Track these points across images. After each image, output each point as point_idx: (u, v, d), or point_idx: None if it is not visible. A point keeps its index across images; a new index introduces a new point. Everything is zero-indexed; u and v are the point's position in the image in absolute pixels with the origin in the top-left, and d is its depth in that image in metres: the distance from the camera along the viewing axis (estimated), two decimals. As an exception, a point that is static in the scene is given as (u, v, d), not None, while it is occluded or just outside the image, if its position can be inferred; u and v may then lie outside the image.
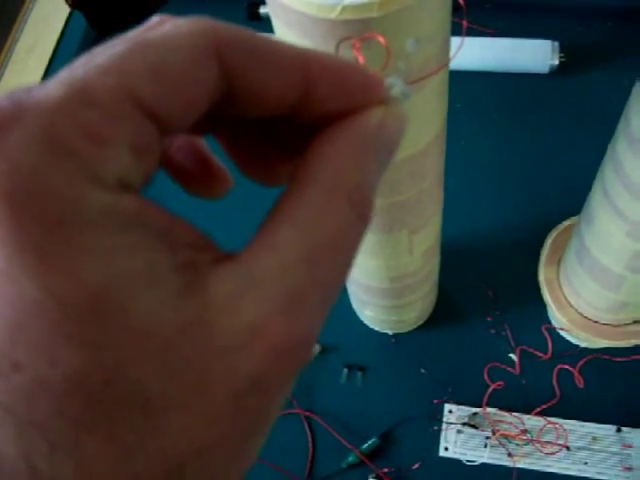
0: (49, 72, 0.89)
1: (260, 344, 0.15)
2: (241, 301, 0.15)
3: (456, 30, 0.34)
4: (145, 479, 0.13)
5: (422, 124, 0.37)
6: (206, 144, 0.21)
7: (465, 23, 0.27)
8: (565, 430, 0.60)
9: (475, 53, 0.80)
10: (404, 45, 0.24)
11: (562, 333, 0.65)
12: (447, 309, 0.68)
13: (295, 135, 0.19)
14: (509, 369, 0.64)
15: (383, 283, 0.54)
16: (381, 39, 0.25)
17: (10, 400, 0.13)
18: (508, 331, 0.65)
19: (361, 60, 0.28)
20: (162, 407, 0.13)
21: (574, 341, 0.64)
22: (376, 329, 0.67)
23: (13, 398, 0.13)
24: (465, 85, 0.77)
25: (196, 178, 0.21)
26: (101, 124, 0.14)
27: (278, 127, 0.20)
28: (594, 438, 0.60)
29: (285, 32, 0.31)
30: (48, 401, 0.13)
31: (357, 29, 0.28)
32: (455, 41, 0.35)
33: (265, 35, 0.17)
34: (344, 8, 0.27)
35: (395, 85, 0.19)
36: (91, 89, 0.14)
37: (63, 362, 0.13)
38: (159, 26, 0.16)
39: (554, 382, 0.63)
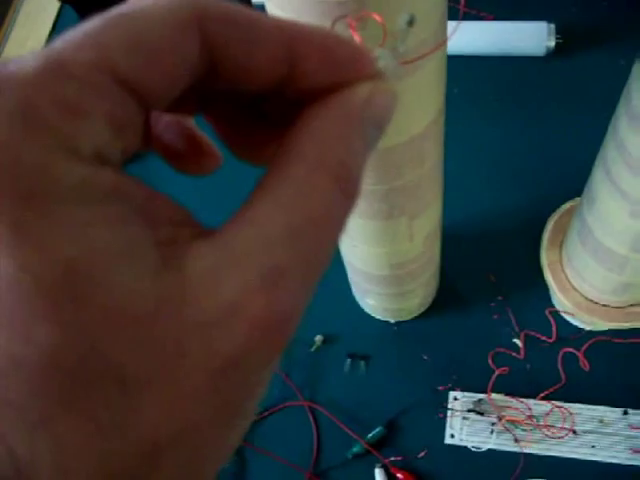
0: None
1: (240, 321, 0.14)
2: (220, 277, 0.14)
3: (452, 15, 0.34)
4: (121, 458, 0.13)
5: (421, 106, 0.36)
6: (194, 122, 0.20)
7: (462, 6, 0.27)
8: (572, 414, 0.60)
9: (471, 37, 0.79)
10: (399, 23, 0.23)
11: (566, 316, 0.64)
12: (449, 295, 0.67)
13: (284, 113, 0.19)
14: (514, 354, 0.63)
15: (384, 270, 0.53)
16: (377, 17, 0.24)
17: None
18: (512, 316, 0.65)
19: (358, 39, 0.28)
20: (138, 385, 0.13)
21: (578, 324, 0.64)
22: (378, 317, 0.67)
23: None
24: (462, 70, 0.77)
25: (184, 155, 0.20)
26: (77, 97, 0.14)
27: (266, 105, 0.20)
28: (601, 421, 0.60)
29: (278, 15, 0.31)
30: (23, 379, 0.12)
31: (352, 10, 0.27)
32: (452, 25, 0.34)
33: (249, 8, 0.17)
34: (338, -13, 0.26)
35: (382, 57, 0.18)
36: (67, 62, 0.14)
37: (37, 339, 0.12)
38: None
39: (559, 366, 0.62)
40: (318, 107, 0.17)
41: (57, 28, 0.92)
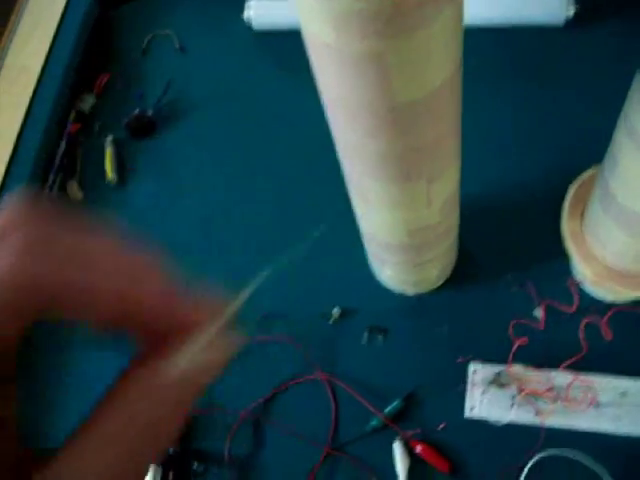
0: (52, 50, 0.87)
1: None
2: None
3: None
4: None
5: (439, 59, 0.35)
6: None
7: None
8: (594, 385, 0.59)
9: (488, 8, 0.78)
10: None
11: (587, 286, 0.63)
12: (468, 267, 0.66)
13: None
14: (534, 325, 0.62)
15: (402, 238, 0.52)
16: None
17: None
18: (532, 287, 0.64)
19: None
20: None
21: (600, 294, 0.63)
22: (396, 290, 0.66)
23: None
24: (480, 42, 0.75)
25: None
26: None
27: None
28: (624, 393, 0.59)
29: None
30: None
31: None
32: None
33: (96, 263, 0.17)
34: None
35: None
36: None
37: None
38: None
39: (580, 336, 0.61)
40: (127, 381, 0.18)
41: (69, 11, 0.91)
